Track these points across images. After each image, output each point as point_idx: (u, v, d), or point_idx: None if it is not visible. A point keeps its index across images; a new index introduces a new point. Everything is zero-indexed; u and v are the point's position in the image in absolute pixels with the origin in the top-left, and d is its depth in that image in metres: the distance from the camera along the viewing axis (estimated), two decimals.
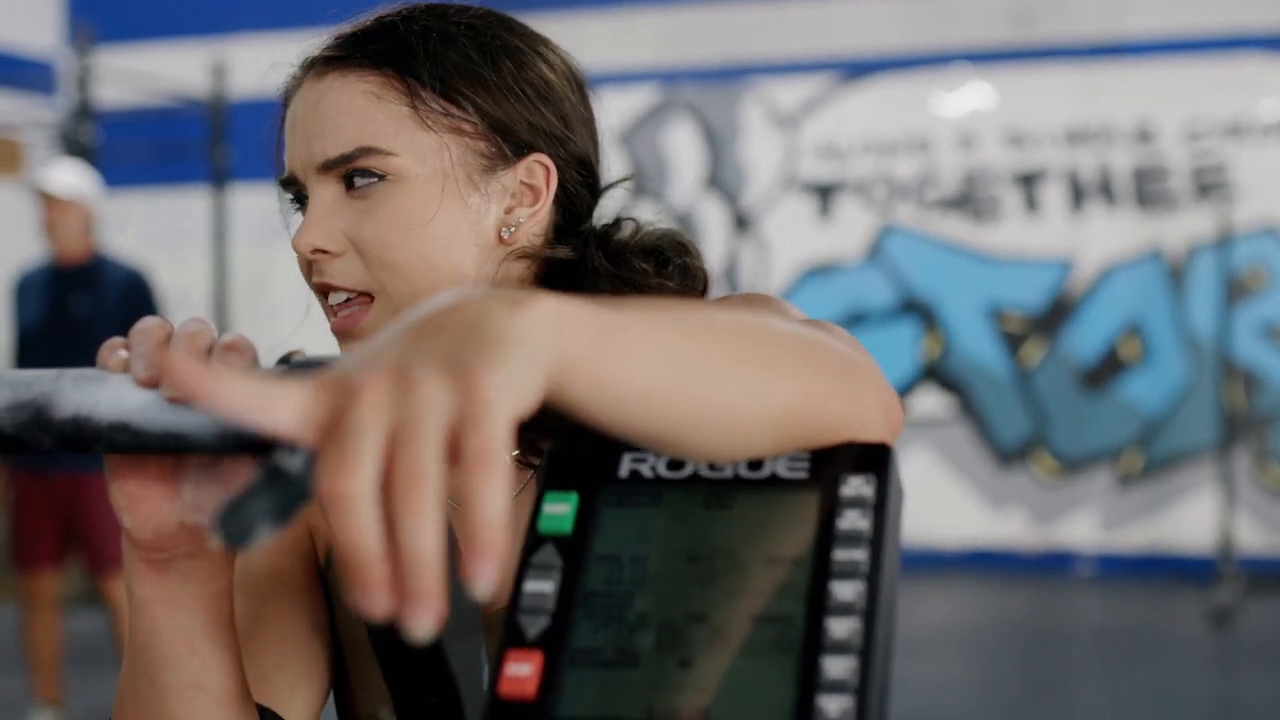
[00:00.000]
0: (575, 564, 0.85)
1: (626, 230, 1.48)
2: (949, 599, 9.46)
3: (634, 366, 0.78)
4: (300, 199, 1.43)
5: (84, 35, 9.79)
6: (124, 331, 0.98)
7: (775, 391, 0.86)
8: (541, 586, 0.84)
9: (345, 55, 1.41)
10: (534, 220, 1.43)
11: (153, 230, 11.64)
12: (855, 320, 10.77)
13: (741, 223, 11.14)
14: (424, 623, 0.67)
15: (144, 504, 1.06)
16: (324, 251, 1.37)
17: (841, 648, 0.79)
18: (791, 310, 1.26)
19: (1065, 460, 10.62)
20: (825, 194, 11.02)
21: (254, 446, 0.91)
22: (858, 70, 10.94)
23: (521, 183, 1.42)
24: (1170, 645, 8.29)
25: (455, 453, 0.69)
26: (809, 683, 0.78)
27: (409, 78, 1.39)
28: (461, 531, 1.36)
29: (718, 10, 11.06)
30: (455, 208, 1.39)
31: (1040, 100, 10.67)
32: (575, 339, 0.75)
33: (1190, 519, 10.38)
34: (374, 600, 0.67)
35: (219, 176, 10.44)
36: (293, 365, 0.92)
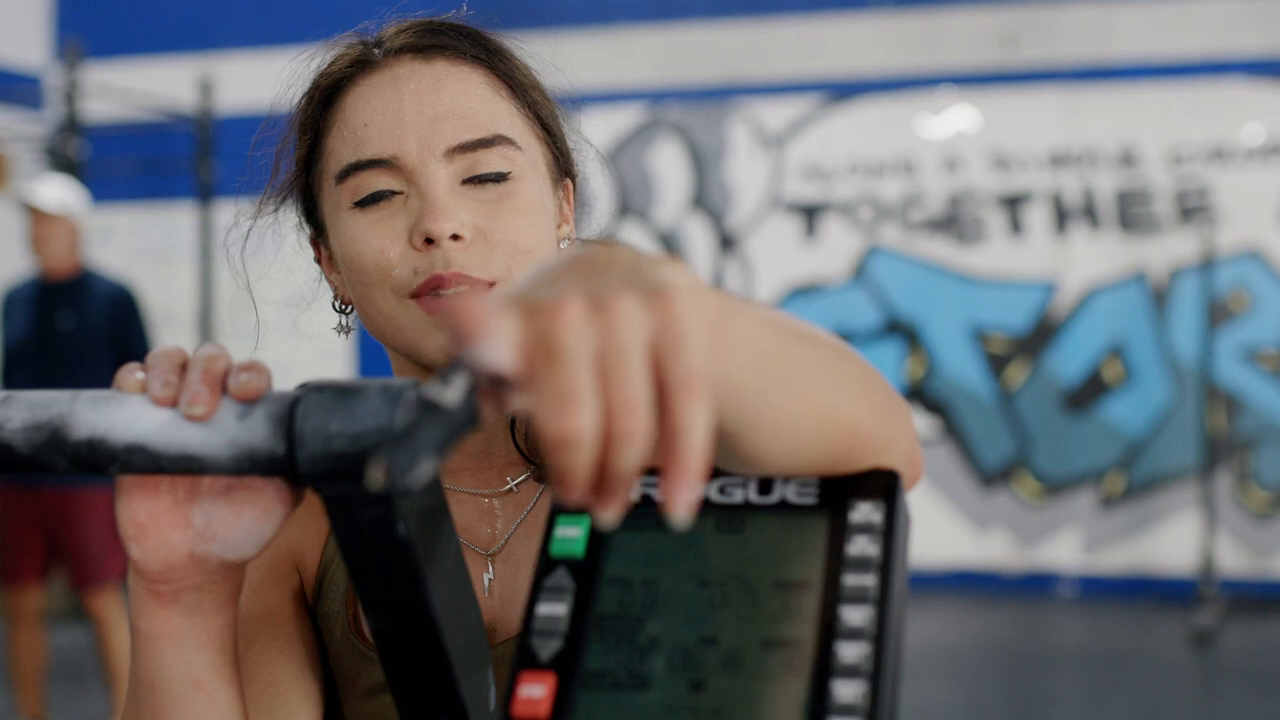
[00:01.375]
0: (587, 587, 0.86)
1: None
2: (931, 620, 9.47)
3: (738, 357, 0.78)
4: (372, 198, 1.35)
5: (72, 50, 9.78)
6: (110, 346, 0.99)
7: (839, 408, 0.87)
8: (554, 609, 0.85)
9: (449, 45, 1.40)
10: (573, 241, 1.48)
11: (139, 245, 11.63)
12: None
13: (727, 243, 11.15)
14: (683, 504, 0.68)
15: (153, 533, 1.03)
16: (456, 238, 1.33)
17: (852, 672, 0.80)
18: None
19: (1048, 482, 10.64)
20: (811, 215, 11.04)
21: (269, 467, 0.92)
22: (844, 92, 10.97)
23: (561, 204, 1.47)
24: (1152, 667, 8.30)
25: (659, 376, 0.69)
26: (819, 706, 0.79)
27: (513, 81, 1.41)
28: (501, 576, 1.39)
29: (705, 31, 11.08)
30: (550, 210, 1.42)
31: (1025, 123, 10.71)
32: (709, 313, 0.75)
33: (1172, 541, 10.40)
34: (614, 505, 0.69)
35: (205, 192, 10.43)
36: (316, 387, 0.93)
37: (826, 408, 0.86)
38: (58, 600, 7.76)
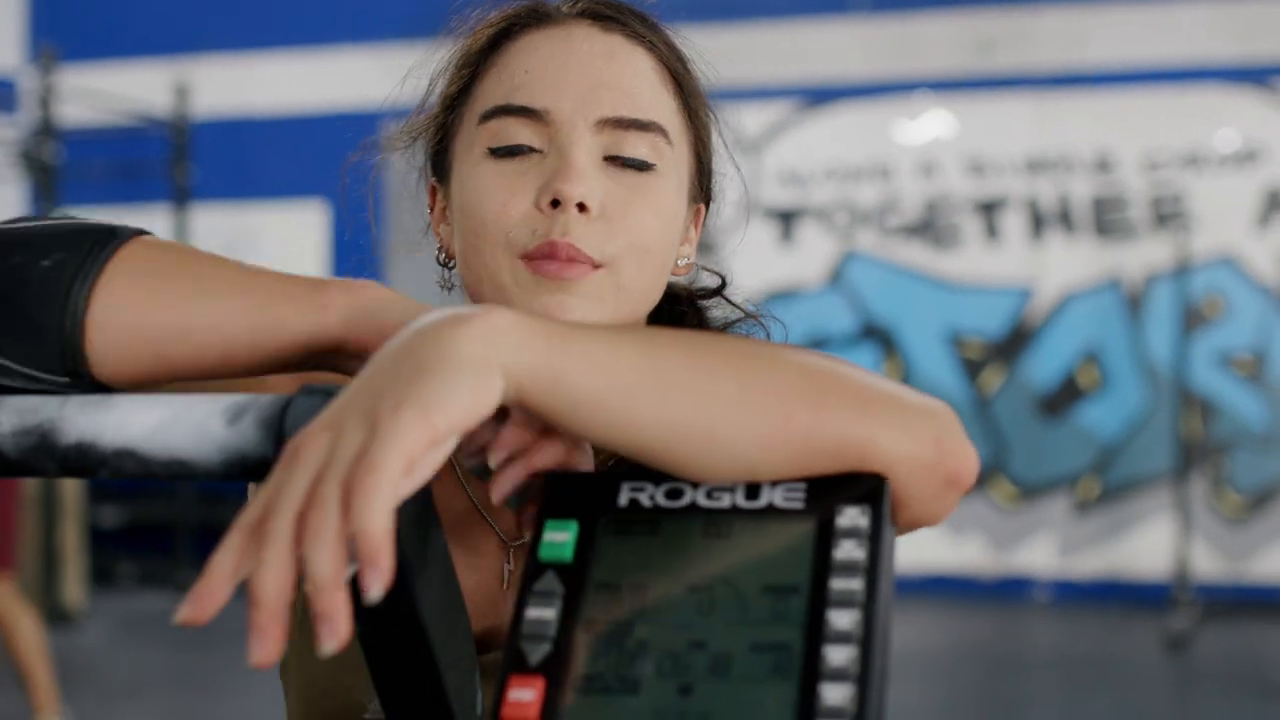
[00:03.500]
0: (576, 591, 0.86)
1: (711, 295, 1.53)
2: (907, 625, 9.49)
3: (587, 381, 0.88)
4: (510, 150, 1.31)
5: (47, 54, 9.76)
6: None
7: (746, 413, 0.89)
8: (543, 613, 0.86)
9: (630, 25, 1.36)
10: (691, 262, 1.46)
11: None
12: (816, 346, 10.79)
13: (703, 248, 11.13)
14: (330, 640, 0.77)
15: None
16: (583, 209, 1.28)
17: (839, 675, 0.80)
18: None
19: (1023, 486, 10.67)
20: (787, 220, 11.06)
21: (260, 472, 0.92)
22: (820, 97, 10.99)
23: (689, 222, 1.44)
24: (1126, 671, 8.32)
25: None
26: (807, 709, 0.79)
27: (682, 82, 1.39)
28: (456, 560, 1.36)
29: (683, 39, 11.08)
30: (679, 220, 1.38)
31: (1001, 129, 10.74)
32: (526, 349, 0.87)
33: (1147, 545, 10.44)
34: (265, 645, 0.77)
35: (181, 195, 10.41)
36: (310, 390, 0.93)
37: (736, 409, 0.89)
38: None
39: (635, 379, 0.89)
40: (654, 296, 1.37)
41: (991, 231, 10.79)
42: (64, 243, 1.02)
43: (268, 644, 0.77)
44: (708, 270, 1.53)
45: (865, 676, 0.80)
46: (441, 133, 1.40)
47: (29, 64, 11.68)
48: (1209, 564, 10.25)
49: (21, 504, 6.66)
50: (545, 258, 1.28)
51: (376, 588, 0.77)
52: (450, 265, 1.41)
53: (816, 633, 0.82)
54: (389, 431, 0.81)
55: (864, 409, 0.92)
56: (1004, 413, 10.73)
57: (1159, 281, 10.46)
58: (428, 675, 0.94)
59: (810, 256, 11.03)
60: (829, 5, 10.93)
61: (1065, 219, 10.67)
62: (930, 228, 10.87)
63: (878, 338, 10.94)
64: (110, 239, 1.03)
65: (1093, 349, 10.60)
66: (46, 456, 0.94)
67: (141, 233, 1.06)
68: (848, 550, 0.85)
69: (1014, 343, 10.74)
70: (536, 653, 0.84)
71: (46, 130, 9.71)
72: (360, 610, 0.94)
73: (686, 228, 1.43)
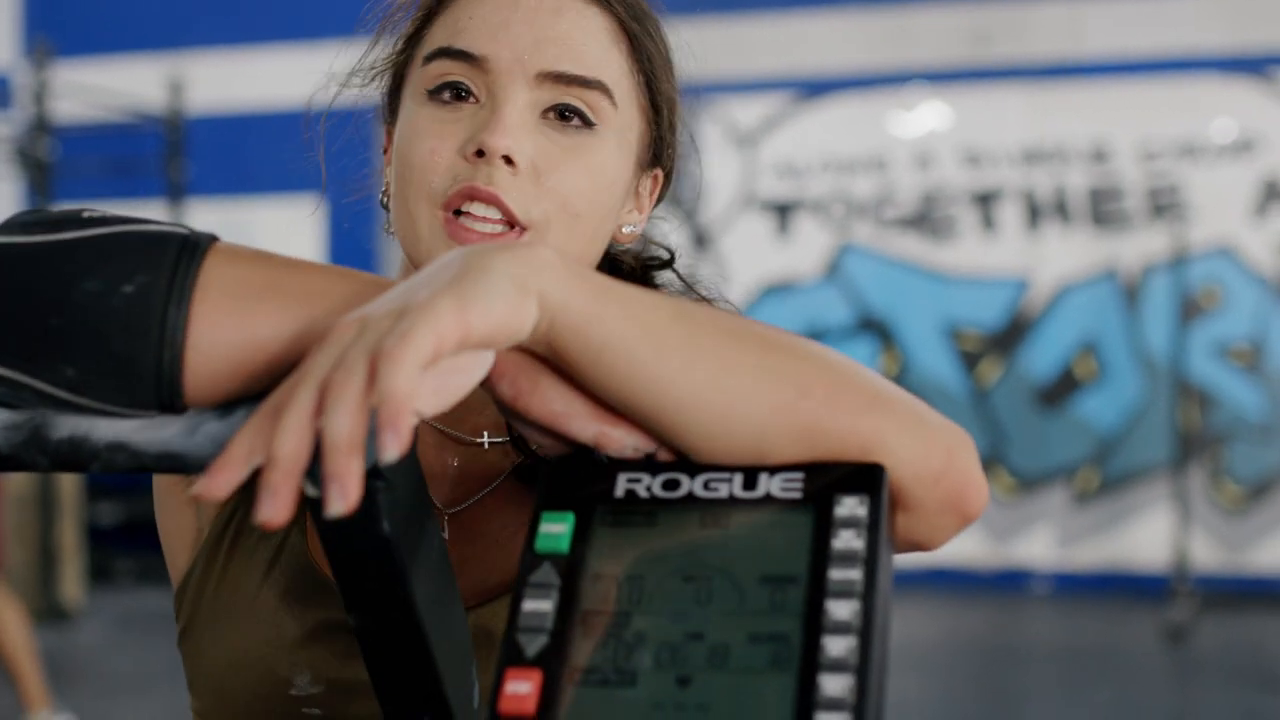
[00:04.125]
0: (573, 583, 0.86)
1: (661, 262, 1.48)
2: (905, 617, 9.49)
3: (621, 328, 0.87)
4: (450, 90, 1.28)
5: (41, 49, 9.75)
6: None
7: (764, 389, 0.89)
8: (540, 605, 0.85)
9: None
10: (639, 230, 1.42)
11: None
12: (813, 338, 10.76)
13: (700, 240, 11.16)
14: (337, 503, 0.77)
15: None
16: (510, 162, 1.25)
17: (839, 666, 0.80)
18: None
19: (1021, 478, 10.67)
20: (783, 212, 11.06)
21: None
22: (816, 89, 10.99)
23: (638, 190, 1.41)
24: (1125, 663, 8.33)
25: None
26: (807, 700, 0.79)
27: (635, 43, 1.35)
28: (453, 540, 1.35)
29: (675, 29, 11.05)
30: (620, 185, 1.35)
31: (996, 120, 10.74)
32: (568, 287, 0.86)
33: (1145, 537, 10.44)
34: (276, 505, 0.77)
35: (175, 191, 10.41)
36: None
37: (751, 388, 0.89)
38: None
39: (665, 337, 0.88)
40: (587, 261, 1.34)
41: (988, 223, 10.79)
42: (139, 260, 0.93)
43: (279, 503, 0.77)
44: (655, 244, 1.49)
45: (864, 667, 0.80)
46: (396, 73, 1.38)
47: (23, 59, 11.67)
48: (1208, 555, 10.26)
49: (3, 500, 6.64)
50: (466, 199, 1.25)
51: (393, 450, 0.76)
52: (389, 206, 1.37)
53: (815, 623, 0.81)
54: (423, 312, 0.81)
55: (878, 404, 0.92)
56: (1002, 404, 10.74)
57: (1156, 272, 10.46)
58: (424, 668, 0.93)
59: (806, 249, 11.03)
60: None
61: (1061, 210, 10.67)
62: (926, 219, 10.87)
63: (875, 330, 10.94)
64: (191, 253, 0.94)
65: (1090, 340, 10.60)
66: (38, 451, 0.93)
67: (214, 238, 0.98)
68: (846, 540, 0.84)
69: (1011, 334, 10.74)
70: (533, 645, 0.84)
71: (41, 126, 9.71)
72: (354, 601, 0.94)
73: (632, 195, 1.40)
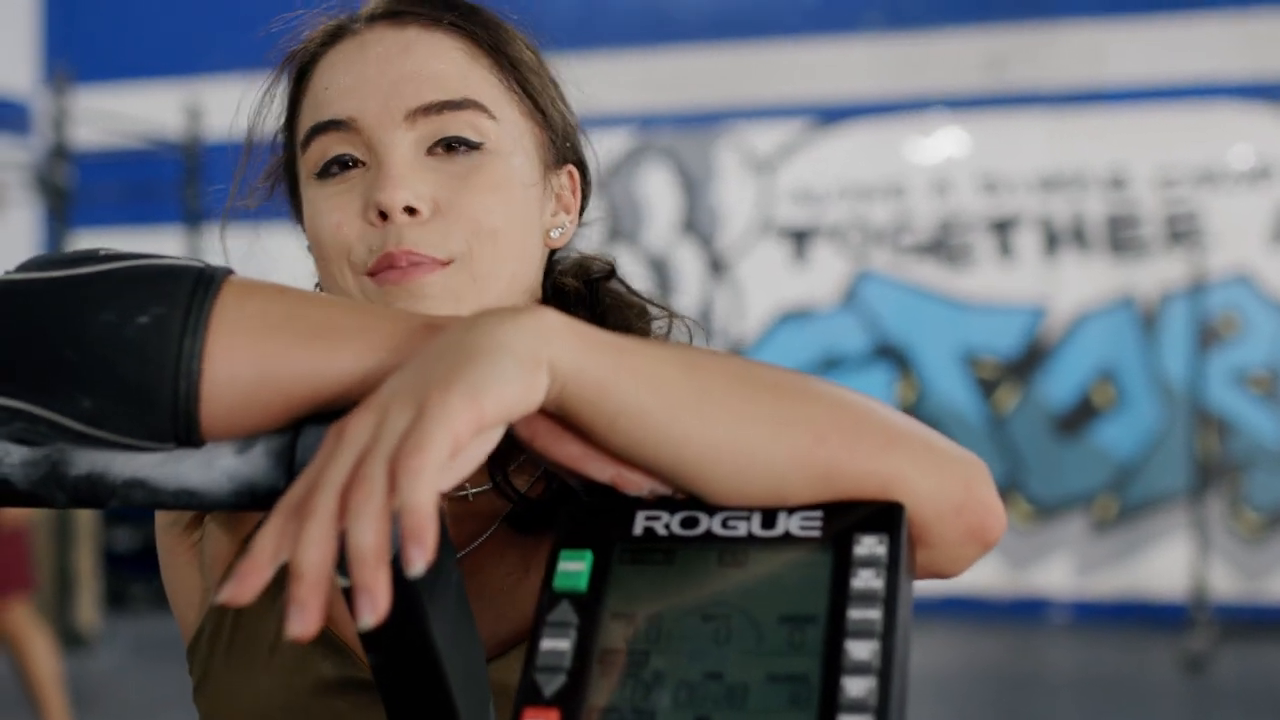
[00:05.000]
0: (591, 621, 0.85)
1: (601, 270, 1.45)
2: (923, 646, 9.46)
3: (633, 391, 0.86)
4: (337, 164, 1.29)
5: (60, 76, 9.79)
6: None
7: (781, 436, 0.88)
8: (558, 644, 0.84)
9: (425, 13, 1.32)
10: (571, 230, 1.40)
11: None
12: (830, 365, 10.79)
13: (717, 267, 11.16)
14: (366, 614, 0.76)
15: None
16: (412, 211, 1.25)
17: (858, 707, 0.79)
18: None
19: (1039, 506, 10.64)
20: (800, 239, 11.06)
21: (269, 501, 0.91)
22: (833, 116, 10.99)
23: (557, 191, 1.39)
24: (1144, 692, 8.29)
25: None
26: None
27: (497, 51, 1.34)
28: (481, 583, 1.34)
29: (694, 55, 11.11)
30: (532, 193, 1.34)
31: (1014, 147, 10.74)
32: (576, 351, 0.86)
33: (1164, 565, 10.40)
34: (305, 617, 0.76)
35: (193, 217, 10.44)
36: (322, 419, 0.92)
37: (767, 434, 0.89)
38: None
39: (678, 394, 0.88)
40: (525, 276, 1.33)
41: (1005, 250, 10.78)
42: (154, 293, 0.93)
43: (307, 617, 0.76)
44: (592, 258, 1.46)
45: (884, 708, 0.79)
46: (289, 171, 1.39)
47: (42, 86, 11.72)
48: (1226, 584, 10.22)
49: (31, 525, 6.64)
50: (386, 269, 1.26)
51: (420, 564, 0.76)
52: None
53: (834, 664, 0.81)
54: (438, 411, 0.80)
55: (895, 442, 0.91)
56: (1019, 432, 10.71)
57: (1174, 299, 10.44)
58: (442, 708, 0.93)
59: (823, 276, 11.02)
60: (841, 23, 10.94)
61: (1079, 237, 10.66)
62: (944, 246, 10.86)
63: (892, 357, 10.93)
64: (206, 286, 0.94)
65: (1108, 368, 10.57)
66: (56, 487, 0.93)
67: (229, 271, 0.98)
68: (865, 579, 0.84)
69: (1029, 361, 10.72)
70: (551, 684, 0.83)
71: (60, 152, 9.74)
72: (372, 640, 0.93)
73: (551, 198, 1.38)
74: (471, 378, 0.82)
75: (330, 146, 1.29)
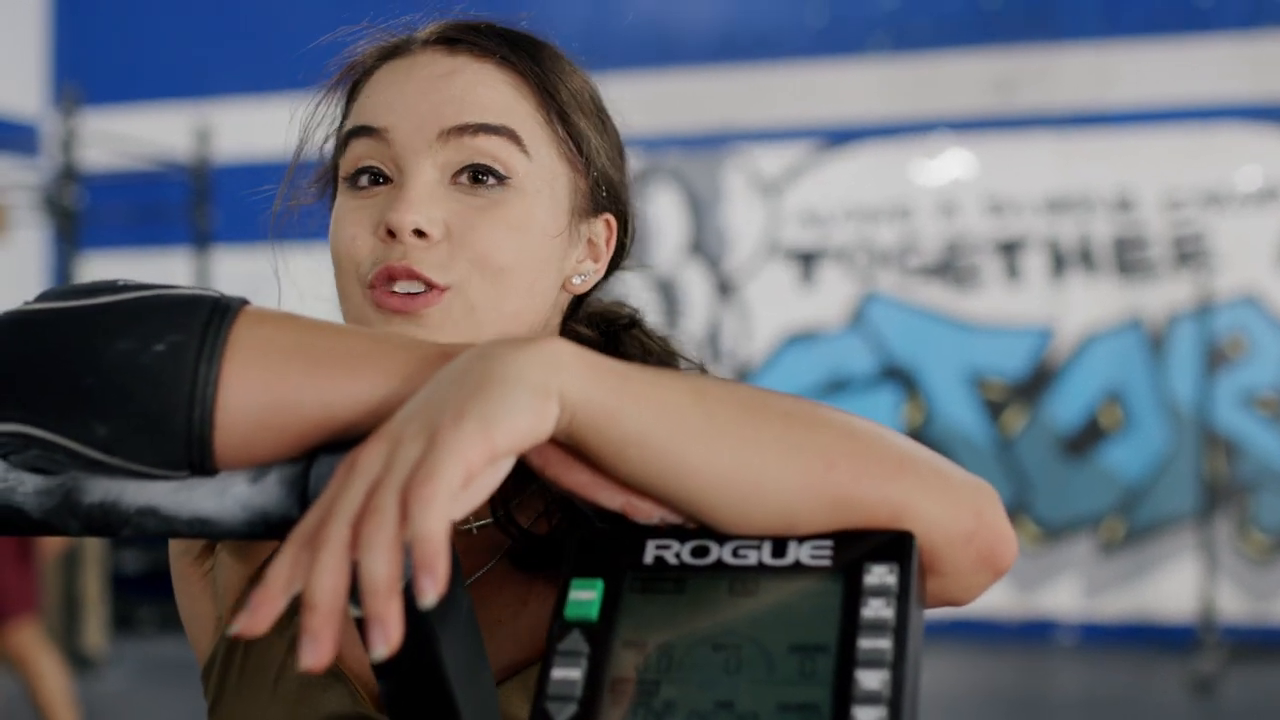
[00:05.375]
0: (602, 650, 0.85)
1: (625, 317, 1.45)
2: (931, 668, 9.43)
3: (642, 420, 0.87)
4: (367, 175, 1.30)
5: (69, 98, 9.81)
6: None
7: (790, 464, 0.88)
8: (569, 673, 0.85)
9: (478, 42, 1.33)
10: (595, 278, 1.40)
11: None
12: (837, 387, 10.79)
13: (724, 289, 11.17)
14: (380, 645, 0.77)
15: None
16: (421, 235, 1.26)
17: None
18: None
19: (1047, 528, 10.63)
20: (807, 261, 11.07)
21: (282, 530, 0.92)
22: (840, 138, 11.01)
23: (590, 239, 1.39)
24: (1152, 714, 8.27)
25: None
26: None
27: (545, 92, 1.33)
28: (481, 615, 1.34)
29: (702, 78, 11.12)
30: (553, 237, 1.33)
31: (1021, 169, 10.74)
32: (585, 380, 0.86)
33: (1172, 587, 10.38)
34: (317, 649, 0.77)
35: (201, 239, 10.45)
36: (335, 448, 0.92)
37: (777, 462, 0.89)
38: None
39: (687, 424, 0.88)
40: (532, 317, 1.33)
41: (1012, 271, 10.78)
42: (170, 321, 0.93)
43: (320, 648, 0.77)
44: (616, 306, 1.46)
45: None
46: (333, 178, 1.39)
47: (51, 108, 11.75)
48: (1235, 605, 10.20)
49: (39, 548, 6.64)
50: (385, 281, 1.26)
51: (431, 594, 0.77)
52: None
53: (845, 693, 0.81)
54: (450, 441, 0.81)
55: (905, 469, 0.91)
56: (1026, 454, 10.70)
57: (1181, 321, 10.44)
58: None
59: (830, 298, 11.03)
60: (848, 46, 10.95)
61: (1086, 259, 10.66)
62: (951, 268, 10.86)
63: (899, 379, 10.92)
64: (222, 315, 0.94)
65: (1115, 389, 10.57)
66: (69, 515, 0.93)
67: (244, 301, 0.98)
68: (876, 609, 0.84)
69: (1036, 383, 10.71)
70: (563, 713, 0.83)
71: (69, 174, 9.76)
72: (384, 668, 0.93)
73: (581, 244, 1.38)
74: (484, 408, 0.82)
75: (362, 154, 1.30)
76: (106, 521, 0.93)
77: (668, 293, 11.22)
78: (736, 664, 0.84)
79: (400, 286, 1.26)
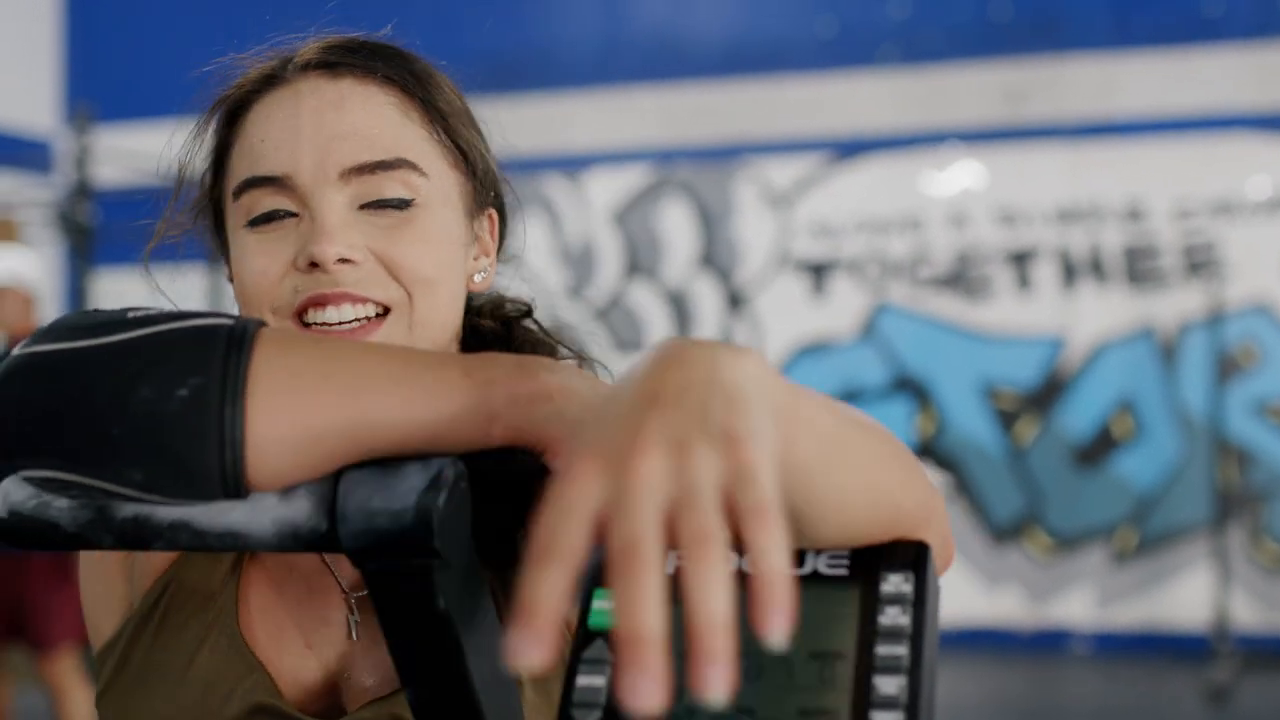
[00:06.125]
0: None
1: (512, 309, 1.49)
2: (944, 678, 9.39)
3: (805, 439, 0.83)
4: (264, 218, 1.32)
5: (82, 115, 9.84)
6: None
7: (889, 488, 0.90)
8: (593, 680, 0.86)
9: (359, 65, 1.35)
10: (492, 272, 1.44)
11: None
12: (849, 398, 10.78)
13: (735, 301, 11.18)
14: (718, 685, 0.69)
15: None
16: (347, 261, 1.29)
17: None
18: None
19: (1060, 538, 10.62)
20: (818, 272, 11.08)
21: (312, 543, 0.94)
22: (850, 149, 11.02)
23: (479, 235, 1.43)
24: None
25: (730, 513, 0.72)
26: None
27: (426, 104, 1.37)
28: (364, 623, 1.36)
29: (712, 90, 11.14)
30: (459, 241, 1.38)
31: (1031, 179, 10.74)
32: (779, 399, 0.81)
33: (1185, 596, 10.37)
34: (651, 686, 0.69)
35: (215, 255, 10.46)
36: (352, 464, 0.94)
37: (880, 487, 0.89)
38: (20, 664, 7.63)
39: (842, 450, 0.86)
40: (455, 322, 1.37)
41: (1023, 282, 10.78)
42: (190, 361, 0.94)
43: (653, 683, 0.69)
44: (513, 300, 1.51)
45: None
46: (214, 209, 1.42)
47: (64, 125, 11.78)
48: (1249, 614, 10.18)
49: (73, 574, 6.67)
50: (315, 305, 1.28)
51: (783, 635, 0.70)
52: None
53: (863, 699, 0.83)
54: (760, 462, 0.74)
55: (929, 483, 0.94)
56: (1039, 464, 10.70)
57: (1192, 330, 10.43)
58: None
59: (842, 309, 11.03)
60: (858, 58, 10.97)
61: (1097, 268, 10.66)
62: (961, 279, 10.86)
63: (911, 390, 10.92)
64: (239, 346, 0.94)
65: (1127, 399, 10.56)
66: (103, 529, 0.95)
67: (260, 324, 0.98)
68: (892, 616, 0.86)
69: (1047, 393, 10.71)
70: None
71: (82, 191, 9.78)
72: (410, 675, 0.95)
73: (478, 240, 1.42)
74: (764, 428, 0.77)
75: (263, 200, 1.32)
76: (139, 535, 0.95)
77: (679, 305, 11.23)
78: (757, 671, 0.85)
79: (334, 315, 1.29)
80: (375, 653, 1.33)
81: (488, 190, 1.44)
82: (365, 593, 1.35)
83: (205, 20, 12.16)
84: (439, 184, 1.36)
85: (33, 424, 0.94)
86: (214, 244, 1.46)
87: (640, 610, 0.70)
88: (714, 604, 0.70)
